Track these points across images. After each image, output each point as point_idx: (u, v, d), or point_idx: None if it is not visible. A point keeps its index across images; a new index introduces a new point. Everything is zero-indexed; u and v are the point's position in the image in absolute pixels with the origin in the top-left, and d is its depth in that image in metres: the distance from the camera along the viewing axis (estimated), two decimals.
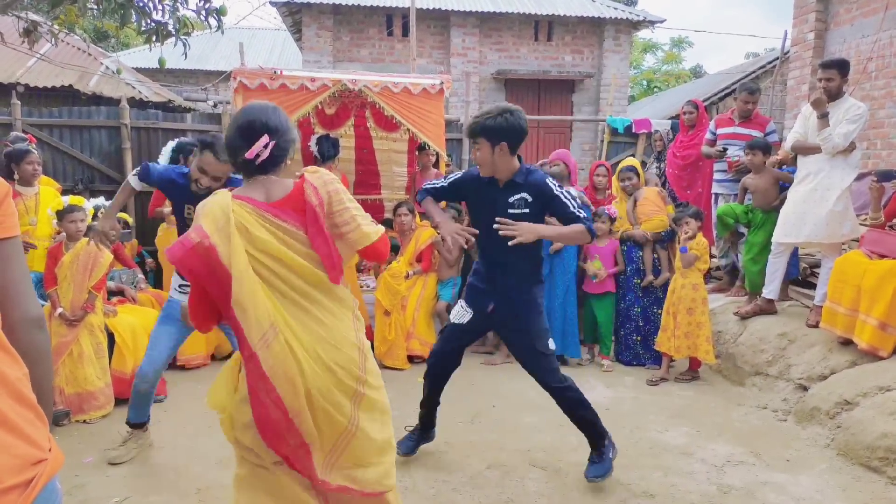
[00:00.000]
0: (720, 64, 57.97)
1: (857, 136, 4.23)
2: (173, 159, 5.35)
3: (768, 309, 4.85)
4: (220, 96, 10.95)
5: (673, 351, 4.69)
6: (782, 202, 4.65)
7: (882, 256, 3.95)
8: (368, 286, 5.65)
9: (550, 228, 3.00)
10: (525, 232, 2.78)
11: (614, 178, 5.56)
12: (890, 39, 6.65)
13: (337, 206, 1.95)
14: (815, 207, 4.29)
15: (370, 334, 5.00)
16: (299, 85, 5.08)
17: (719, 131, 5.75)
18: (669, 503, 2.94)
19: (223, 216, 1.85)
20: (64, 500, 1.22)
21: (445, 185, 3.16)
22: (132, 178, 3.35)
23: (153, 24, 4.39)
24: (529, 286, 3.03)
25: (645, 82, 25.87)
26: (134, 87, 9.69)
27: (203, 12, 4.47)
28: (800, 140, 4.48)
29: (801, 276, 5.34)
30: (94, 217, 4.11)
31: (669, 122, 7.98)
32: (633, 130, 8.10)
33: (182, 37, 4.48)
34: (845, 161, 4.28)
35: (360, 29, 13.11)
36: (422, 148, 6.04)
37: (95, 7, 4.53)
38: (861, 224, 4.51)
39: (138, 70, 12.95)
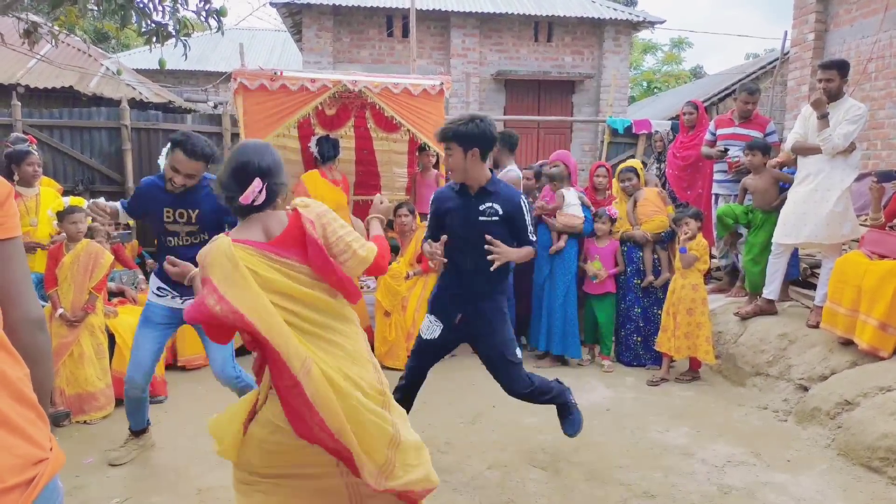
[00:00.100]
0: (720, 64, 58.15)
1: (857, 137, 4.23)
2: None
3: (769, 309, 4.85)
4: (220, 97, 10.97)
5: (673, 351, 4.69)
6: (782, 203, 4.66)
7: (882, 257, 3.95)
8: (369, 287, 5.64)
9: (518, 252, 3.02)
10: (503, 256, 2.88)
11: (614, 178, 5.57)
12: (890, 40, 6.65)
13: (332, 237, 1.99)
14: (815, 208, 4.29)
15: (370, 335, 5.00)
16: (299, 86, 5.08)
17: (719, 132, 5.75)
18: (670, 503, 2.95)
19: (229, 263, 1.85)
20: (64, 500, 1.23)
21: (432, 224, 3.16)
22: (121, 204, 3.32)
23: (153, 26, 4.39)
24: (498, 294, 3.08)
25: (645, 83, 25.83)
26: (134, 88, 9.68)
27: (203, 13, 4.48)
28: (800, 141, 4.48)
29: (801, 276, 5.34)
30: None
31: (669, 122, 7.99)
32: (634, 131, 8.11)
33: (182, 38, 4.48)
34: (845, 162, 4.28)
35: (361, 30, 13.12)
36: (422, 149, 6.06)
37: (96, 8, 4.53)
38: (861, 224, 4.51)
39: (139, 71, 12.95)
